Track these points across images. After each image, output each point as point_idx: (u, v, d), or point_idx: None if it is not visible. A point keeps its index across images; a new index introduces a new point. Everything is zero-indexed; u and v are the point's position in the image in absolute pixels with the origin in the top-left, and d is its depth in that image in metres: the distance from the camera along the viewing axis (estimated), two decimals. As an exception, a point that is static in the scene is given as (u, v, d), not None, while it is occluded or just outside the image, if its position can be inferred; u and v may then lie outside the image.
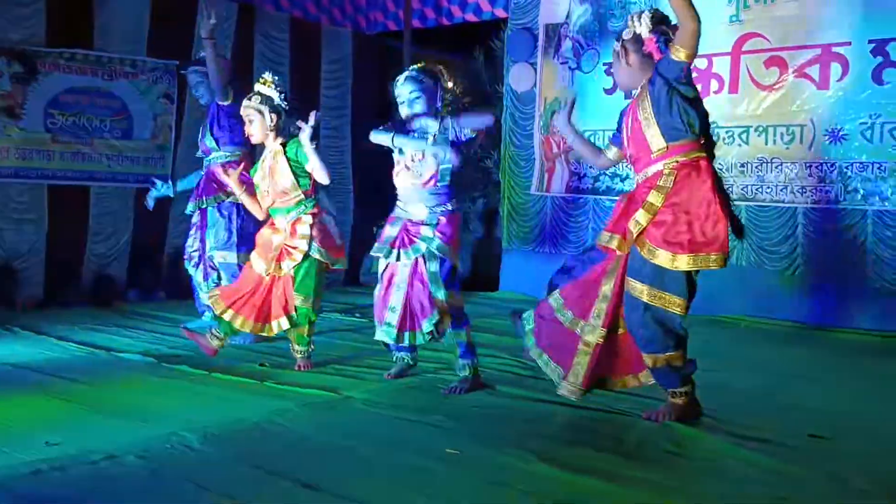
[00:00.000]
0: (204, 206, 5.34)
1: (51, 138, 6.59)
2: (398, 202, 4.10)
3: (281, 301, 4.40)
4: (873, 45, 5.91)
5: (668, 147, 3.33)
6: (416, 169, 3.97)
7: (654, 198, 3.30)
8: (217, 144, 5.36)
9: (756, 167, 6.46)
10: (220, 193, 5.32)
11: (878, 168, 5.91)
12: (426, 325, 3.92)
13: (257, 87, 4.50)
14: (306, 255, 4.36)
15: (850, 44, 6.00)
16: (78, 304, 6.60)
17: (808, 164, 6.19)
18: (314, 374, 4.30)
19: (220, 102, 5.30)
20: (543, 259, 7.77)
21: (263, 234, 4.52)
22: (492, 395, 3.94)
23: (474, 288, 7.99)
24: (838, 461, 2.98)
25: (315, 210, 4.45)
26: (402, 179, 4.04)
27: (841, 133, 6.05)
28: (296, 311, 4.39)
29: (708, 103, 6.75)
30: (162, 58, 7.11)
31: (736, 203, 6.51)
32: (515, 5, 7.93)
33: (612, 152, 3.75)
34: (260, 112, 4.41)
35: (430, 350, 4.47)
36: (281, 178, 4.38)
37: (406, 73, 4.08)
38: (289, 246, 4.37)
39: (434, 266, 3.93)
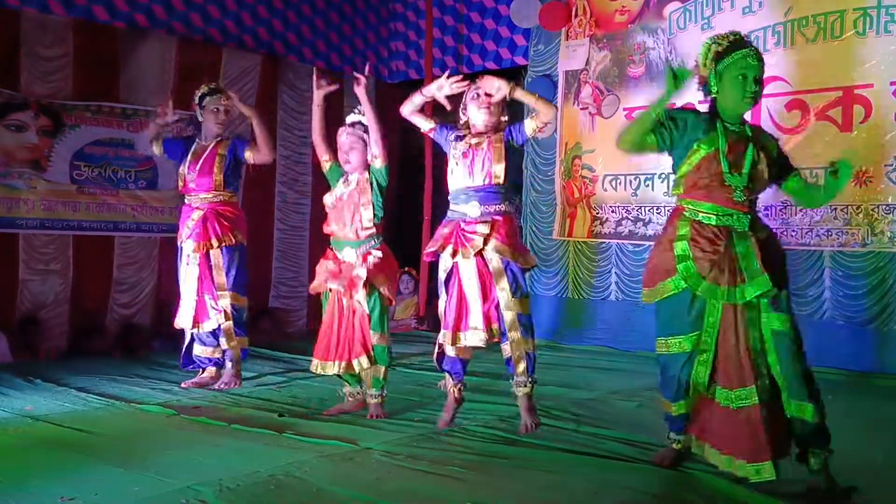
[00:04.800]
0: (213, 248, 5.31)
1: (76, 189, 6.69)
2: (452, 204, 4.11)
3: (360, 339, 4.38)
4: (895, 87, 5.86)
5: None
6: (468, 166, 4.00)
7: None
8: (225, 185, 5.38)
9: (780, 210, 6.39)
10: (232, 233, 5.34)
11: (905, 210, 5.83)
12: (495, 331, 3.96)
13: (355, 117, 4.48)
14: (375, 292, 4.37)
15: (872, 86, 5.96)
16: (102, 354, 6.62)
17: (833, 207, 6.11)
18: (333, 425, 4.25)
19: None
20: (566, 304, 7.72)
21: (327, 265, 4.48)
22: (511, 444, 3.87)
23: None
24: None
25: (383, 246, 4.49)
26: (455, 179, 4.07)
27: (866, 176, 5.98)
28: (373, 349, 4.38)
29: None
30: (186, 109, 7.20)
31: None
32: (535, 53, 8.00)
33: None
34: (364, 141, 4.43)
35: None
36: (361, 208, 4.39)
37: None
38: (360, 276, 4.37)
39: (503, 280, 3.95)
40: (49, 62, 6.50)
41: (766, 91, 6.34)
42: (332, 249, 4.54)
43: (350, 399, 4.58)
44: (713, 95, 3.30)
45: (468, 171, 3.99)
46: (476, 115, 4.07)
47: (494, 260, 3.94)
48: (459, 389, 4.18)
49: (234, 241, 5.33)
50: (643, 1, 7.25)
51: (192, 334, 5.43)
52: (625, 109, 7.33)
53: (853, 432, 4.22)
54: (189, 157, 5.40)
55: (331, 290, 4.43)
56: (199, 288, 5.31)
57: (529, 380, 4.02)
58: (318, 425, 4.24)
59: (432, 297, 8.50)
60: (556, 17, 7.64)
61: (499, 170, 3.96)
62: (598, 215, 7.49)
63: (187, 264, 5.34)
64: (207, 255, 5.31)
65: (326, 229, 4.56)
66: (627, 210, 7.29)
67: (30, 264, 6.53)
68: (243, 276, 5.42)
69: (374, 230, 4.44)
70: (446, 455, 3.65)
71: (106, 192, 6.86)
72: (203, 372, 5.43)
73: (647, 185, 7.16)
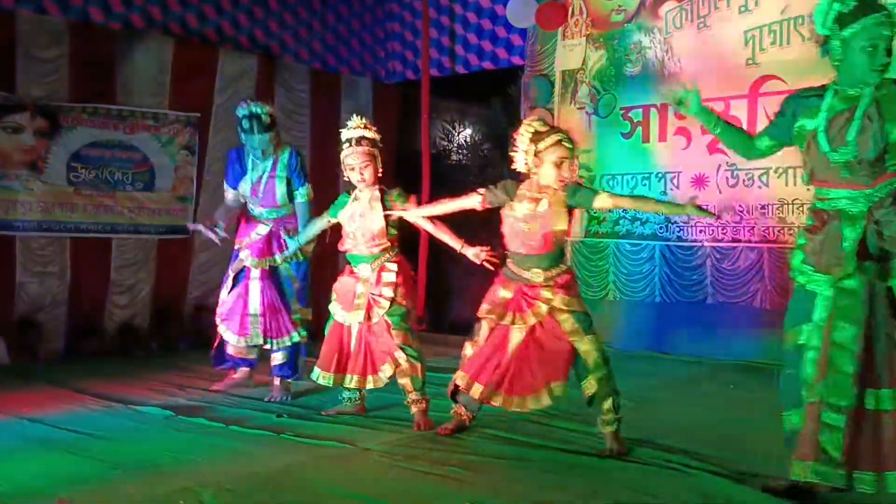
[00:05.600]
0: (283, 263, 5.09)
1: (73, 191, 6.67)
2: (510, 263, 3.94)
3: (383, 347, 4.31)
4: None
5: None
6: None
7: None
8: (290, 199, 5.11)
9: (777, 209, 6.40)
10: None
11: (902, 208, 5.83)
12: (556, 390, 3.71)
13: (357, 131, 4.35)
14: (393, 301, 4.31)
15: (868, 84, 5.96)
16: (99, 355, 6.61)
17: (829, 206, 6.12)
18: (331, 426, 4.25)
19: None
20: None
21: (343, 282, 4.45)
22: (510, 444, 3.87)
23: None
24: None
25: (399, 258, 4.43)
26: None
27: (862, 173, 5.98)
28: (402, 350, 4.27)
29: (726, 146, 6.76)
30: (183, 110, 7.21)
31: (757, 245, 6.46)
32: (532, 52, 7.99)
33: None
34: (374, 157, 4.36)
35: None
36: (372, 224, 4.34)
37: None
38: (375, 295, 4.32)
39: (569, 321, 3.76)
40: (45, 64, 6.48)
41: (761, 90, 6.47)
42: (349, 265, 4.48)
43: (348, 403, 4.57)
44: (836, 64, 3.00)
45: (530, 238, 3.79)
46: (550, 176, 3.77)
47: (568, 322, 3.76)
48: (471, 418, 4.08)
49: (300, 256, 5.13)
50: (639, 0, 7.25)
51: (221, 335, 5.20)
52: (621, 109, 7.33)
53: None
54: (249, 175, 5.08)
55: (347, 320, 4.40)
56: (271, 304, 5.06)
57: (616, 418, 3.75)
58: (316, 426, 4.24)
59: (431, 298, 8.51)
60: (553, 17, 7.64)
61: (560, 233, 3.79)
62: (596, 215, 7.49)
63: (249, 278, 5.07)
64: (272, 270, 5.09)
65: (342, 247, 4.48)
66: (625, 209, 7.29)
67: (27, 266, 6.52)
68: (307, 289, 5.23)
69: (388, 244, 4.39)
70: (445, 455, 3.65)
71: (103, 194, 6.84)
72: (235, 373, 5.29)
73: (645, 185, 7.16)
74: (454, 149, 11.30)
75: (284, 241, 5.09)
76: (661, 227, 7.04)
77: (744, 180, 6.56)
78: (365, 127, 4.39)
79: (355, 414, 4.51)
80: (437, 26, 8.78)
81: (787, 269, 3.28)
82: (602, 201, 3.80)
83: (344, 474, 3.39)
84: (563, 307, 3.76)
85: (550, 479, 3.31)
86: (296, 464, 3.51)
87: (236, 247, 5.22)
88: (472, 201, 4.02)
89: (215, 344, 5.29)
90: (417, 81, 8.83)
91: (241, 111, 5.00)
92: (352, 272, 4.45)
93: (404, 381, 4.28)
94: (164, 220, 7.13)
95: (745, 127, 6.54)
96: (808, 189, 3.21)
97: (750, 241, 6.53)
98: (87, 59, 6.67)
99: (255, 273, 5.07)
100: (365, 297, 4.33)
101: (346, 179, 4.46)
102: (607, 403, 3.73)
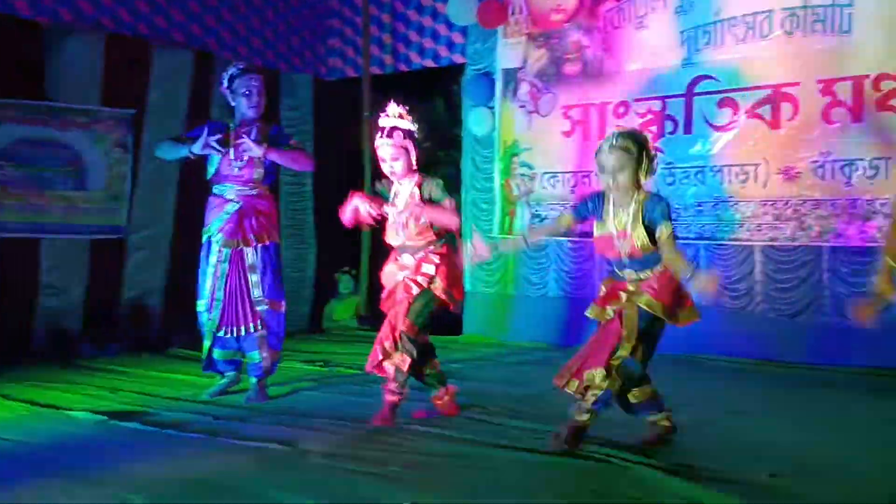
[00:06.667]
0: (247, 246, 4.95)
1: (0, 190, 6.44)
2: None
3: (392, 327, 4.21)
4: (821, 84, 6.02)
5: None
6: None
7: None
8: (265, 178, 5.02)
9: (712, 206, 6.52)
10: (268, 231, 5.01)
11: (832, 205, 5.99)
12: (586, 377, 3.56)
13: (390, 121, 4.21)
14: (424, 290, 4.19)
15: (798, 84, 6.12)
16: (29, 359, 6.39)
17: (762, 203, 6.26)
18: (270, 427, 4.17)
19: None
20: (506, 302, 7.75)
21: (388, 272, 4.35)
22: (452, 442, 3.85)
23: (437, 332, 7.91)
24: (801, 500, 2.93)
25: (444, 250, 4.26)
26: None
27: (794, 171, 6.14)
28: (401, 337, 4.15)
29: (664, 144, 6.89)
30: (116, 107, 7.03)
31: (694, 242, 6.57)
32: (473, 51, 8.00)
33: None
34: (406, 149, 4.19)
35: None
36: (412, 220, 4.20)
37: (609, 143, 3.61)
38: (410, 280, 4.21)
39: (643, 324, 3.63)
40: (-31, 59, 6.25)
41: (697, 89, 6.59)
42: (394, 252, 4.37)
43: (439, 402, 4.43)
44: None
45: (620, 245, 3.71)
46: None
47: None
48: None
49: (268, 240, 4.99)
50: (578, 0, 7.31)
51: (212, 336, 5.01)
52: (562, 107, 7.38)
53: (781, 420, 4.33)
54: (233, 143, 4.94)
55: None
56: (233, 289, 4.91)
57: (593, 409, 3.62)
58: (253, 428, 4.16)
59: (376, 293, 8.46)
60: (493, 15, 7.65)
61: (646, 239, 3.67)
62: (537, 213, 7.53)
63: (219, 261, 4.93)
64: (241, 253, 4.94)
65: (387, 238, 4.37)
66: (566, 207, 7.34)
67: (-50, 269, 6.28)
68: (280, 278, 5.08)
69: (433, 236, 4.24)
70: (387, 456, 3.61)
71: (32, 193, 6.62)
72: (223, 377, 5.12)
73: (585, 182, 7.22)
74: (396, 147, 11.27)
75: (255, 222, 4.94)
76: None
77: (680, 178, 6.66)
78: (400, 116, 4.24)
79: (446, 412, 4.40)
80: (377, 23, 8.73)
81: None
82: (659, 231, 3.71)
83: (284, 477, 3.33)
84: (648, 307, 3.64)
85: (494, 477, 3.31)
86: (233, 467, 3.44)
87: (204, 235, 5.03)
88: (567, 228, 3.95)
89: (207, 353, 5.08)
90: (359, 79, 8.77)
91: (235, 69, 5.10)
92: (396, 260, 4.34)
93: (388, 367, 4.22)
94: (97, 220, 6.93)
95: (681, 125, 6.69)
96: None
97: (687, 238, 6.64)
98: (13, 53, 6.44)
99: (225, 255, 4.92)
100: (399, 283, 4.26)
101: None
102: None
